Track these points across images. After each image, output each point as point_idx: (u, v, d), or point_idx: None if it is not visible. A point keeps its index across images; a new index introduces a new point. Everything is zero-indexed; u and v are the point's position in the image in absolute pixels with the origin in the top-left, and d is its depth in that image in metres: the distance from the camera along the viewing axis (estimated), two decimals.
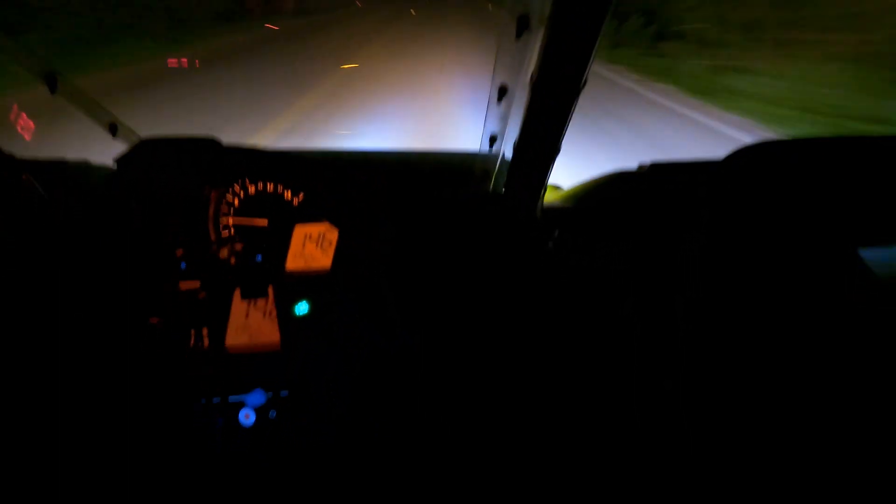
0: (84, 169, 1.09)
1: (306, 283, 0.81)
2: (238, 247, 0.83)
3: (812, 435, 0.65)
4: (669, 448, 0.70)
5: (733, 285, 0.72)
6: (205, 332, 0.79)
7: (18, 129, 1.15)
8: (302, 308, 0.79)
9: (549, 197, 0.96)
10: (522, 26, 0.61)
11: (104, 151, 1.02)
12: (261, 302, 0.80)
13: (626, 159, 3.75)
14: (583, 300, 0.78)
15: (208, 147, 0.88)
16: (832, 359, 0.67)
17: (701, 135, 4.55)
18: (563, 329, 0.77)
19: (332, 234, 0.82)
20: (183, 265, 0.81)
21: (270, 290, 0.81)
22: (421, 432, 0.77)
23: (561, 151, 0.68)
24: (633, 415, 0.73)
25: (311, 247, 0.82)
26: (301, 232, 0.83)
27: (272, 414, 0.75)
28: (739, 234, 0.74)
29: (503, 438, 0.77)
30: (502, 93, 0.72)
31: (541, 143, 0.64)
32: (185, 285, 0.81)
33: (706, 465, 0.68)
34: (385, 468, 0.75)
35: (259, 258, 0.82)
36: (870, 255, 0.72)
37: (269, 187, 0.84)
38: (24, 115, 1.14)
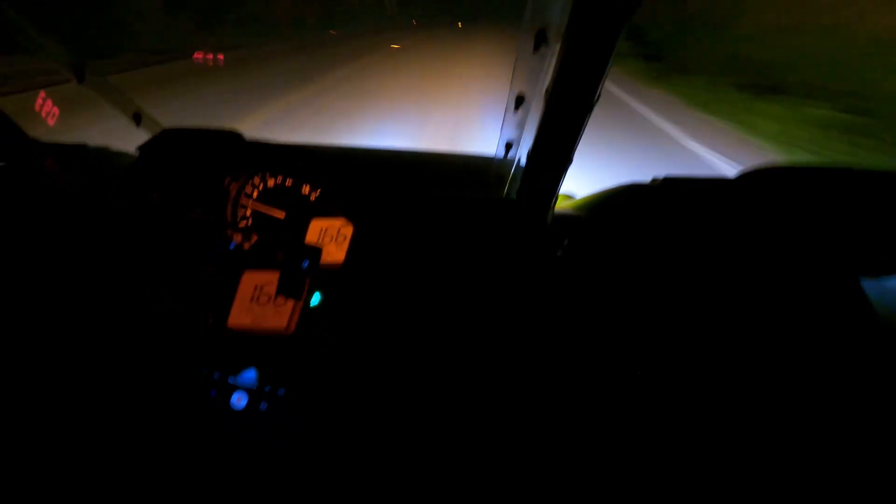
0: (105, 154, 1.12)
1: (320, 276, 0.84)
2: (253, 235, 0.85)
3: (808, 439, 0.67)
4: (672, 458, 0.71)
5: (736, 295, 0.74)
6: (210, 310, 0.81)
7: (43, 114, 1.19)
8: (314, 299, 0.82)
9: (562, 205, 0.98)
10: (540, 40, 0.64)
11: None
12: (268, 287, 0.82)
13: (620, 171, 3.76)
14: (585, 305, 0.80)
15: (230, 139, 0.92)
16: (824, 370, 0.69)
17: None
18: (564, 332, 0.79)
19: (347, 229, 0.85)
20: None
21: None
22: (416, 432, 0.78)
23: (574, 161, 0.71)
24: (628, 419, 0.74)
25: (327, 241, 0.85)
26: (317, 226, 0.85)
27: (263, 405, 0.75)
28: (746, 248, 0.77)
29: (501, 439, 0.78)
30: (519, 102, 0.74)
31: (553, 153, 0.67)
32: (201, 267, 0.83)
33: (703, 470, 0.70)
34: (374, 467, 0.76)
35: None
36: (869, 285, 0.74)
37: (288, 181, 0.87)
38: (49, 101, 1.18)
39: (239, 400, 0.75)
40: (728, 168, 4.15)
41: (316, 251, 0.83)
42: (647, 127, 5.43)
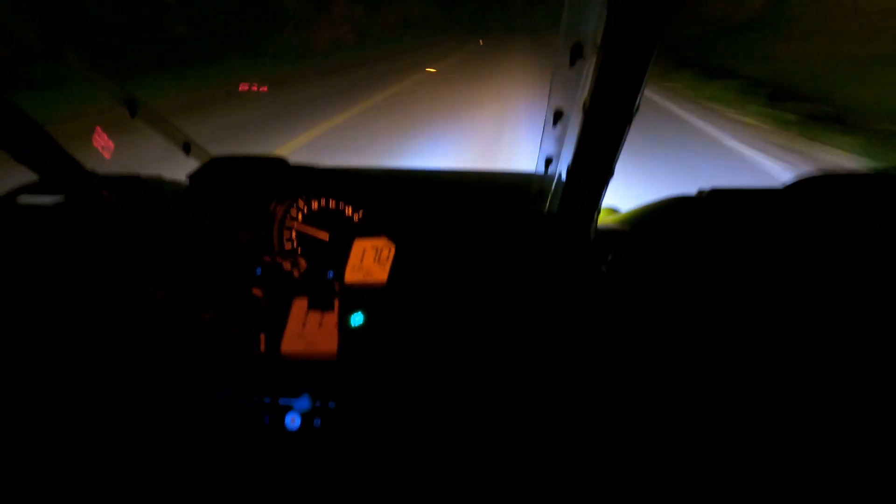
0: (158, 184, 1.18)
1: (362, 296, 0.85)
2: (302, 262, 0.88)
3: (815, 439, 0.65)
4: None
5: (789, 311, 0.71)
6: (262, 337, 0.84)
7: (99, 148, 1.27)
8: (357, 319, 0.83)
9: (606, 219, 0.97)
10: (576, 54, 0.64)
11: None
12: (318, 312, 0.84)
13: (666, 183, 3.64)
14: (631, 320, 0.78)
15: (276, 165, 0.96)
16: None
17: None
18: (612, 348, 0.78)
19: (390, 249, 0.87)
20: (258, 271, 0.87)
21: (336, 304, 0.85)
22: (466, 450, 0.78)
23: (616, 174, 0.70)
24: (683, 439, 0.72)
25: (369, 261, 0.87)
26: (360, 246, 0.88)
27: (317, 422, 0.77)
28: (798, 261, 0.73)
29: (545, 453, 0.77)
30: (557, 117, 0.74)
31: (594, 166, 0.66)
32: (254, 292, 0.87)
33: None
34: (422, 485, 0.76)
35: (331, 275, 0.87)
36: None
37: (332, 204, 0.90)
38: (105, 135, 1.25)
39: (293, 421, 0.77)
40: (778, 172, 3.98)
41: (340, 265, 0.86)
42: (692, 134, 5.29)
